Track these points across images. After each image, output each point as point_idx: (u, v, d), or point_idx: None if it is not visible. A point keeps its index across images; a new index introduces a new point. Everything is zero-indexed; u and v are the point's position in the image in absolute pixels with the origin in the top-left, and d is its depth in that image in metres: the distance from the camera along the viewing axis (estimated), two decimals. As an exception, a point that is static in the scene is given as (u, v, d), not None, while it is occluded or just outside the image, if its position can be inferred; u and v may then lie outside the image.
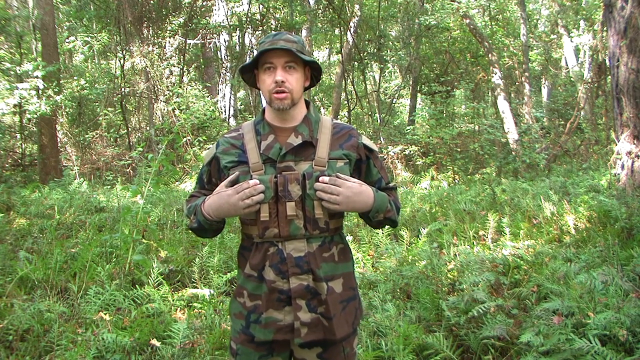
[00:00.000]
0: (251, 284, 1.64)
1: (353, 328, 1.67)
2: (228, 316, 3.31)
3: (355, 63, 14.98)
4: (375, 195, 1.63)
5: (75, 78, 12.84)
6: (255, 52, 1.65)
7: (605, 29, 8.08)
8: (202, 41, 14.35)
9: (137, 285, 3.81)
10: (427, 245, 4.69)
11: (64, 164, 11.33)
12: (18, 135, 13.20)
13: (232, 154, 1.66)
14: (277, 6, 14.80)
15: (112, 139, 13.06)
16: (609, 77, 8.00)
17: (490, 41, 12.71)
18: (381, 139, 13.62)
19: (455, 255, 4.41)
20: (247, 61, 1.66)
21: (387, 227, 1.80)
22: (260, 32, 13.78)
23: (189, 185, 8.92)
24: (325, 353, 1.64)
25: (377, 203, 1.62)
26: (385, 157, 11.83)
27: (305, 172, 1.59)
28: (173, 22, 12.86)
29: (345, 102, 15.21)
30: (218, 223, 1.65)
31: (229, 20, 13.72)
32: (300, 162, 1.61)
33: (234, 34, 14.92)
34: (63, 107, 11.42)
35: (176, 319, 3.26)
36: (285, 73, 1.58)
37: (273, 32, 1.97)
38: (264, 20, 14.05)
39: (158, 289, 3.66)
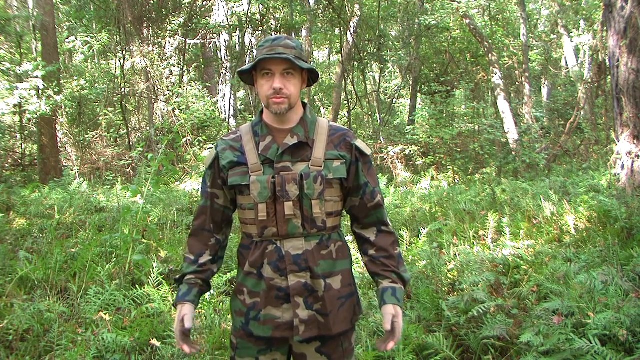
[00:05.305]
0: (251, 281, 1.66)
1: (352, 324, 1.70)
2: (228, 316, 3.32)
3: (355, 63, 14.97)
4: (400, 310, 1.66)
5: (75, 78, 12.82)
6: (255, 53, 1.66)
7: (605, 29, 8.08)
8: (202, 41, 14.34)
9: (137, 285, 3.80)
10: (427, 245, 4.69)
11: (64, 164, 11.33)
12: (18, 135, 13.19)
13: (230, 155, 1.68)
14: (277, 6, 14.79)
15: (112, 139, 13.05)
16: (609, 77, 8.00)
17: (490, 41, 12.71)
18: (381, 139, 13.62)
19: (455, 255, 4.40)
20: (247, 62, 1.68)
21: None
22: (260, 32, 13.77)
23: (189, 185, 8.91)
24: (324, 347, 1.67)
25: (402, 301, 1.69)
26: (385, 157, 11.83)
27: (303, 173, 1.61)
28: (173, 22, 12.85)
29: (345, 102, 15.20)
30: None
31: (229, 20, 13.71)
32: (297, 162, 1.63)
33: (234, 34, 14.91)
34: (63, 107, 11.41)
35: (176, 319, 3.25)
36: (283, 79, 1.59)
37: (272, 35, 1.99)
38: (264, 20, 14.03)
39: (158, 289, 3.65)
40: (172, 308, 3.51)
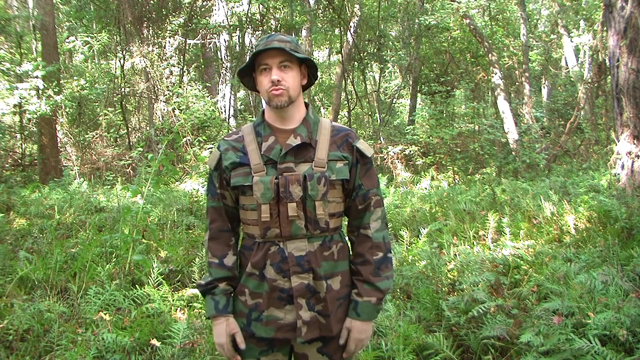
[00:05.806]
0: (252, 282, 1.66)
1: None
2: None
3: (355, 63, 14.97)
4: (368, 321, 1.68)
5: (75, 78, 12.81)
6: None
7: (605, 29, 8.08)
8: (202, 41, 14.34)
9: (137, 285, 3.80)
10: (427, 245, 4.69)
11: (64, 164, 11.32)
12: (18, 135, 13.19)
13: (233, 155, 1.67)
14: (277, 6, 14.79)
15: (112, 139, 13.05)
16: (609, 77, 8.00)
17: (490, 41, 12.70)
18: (381, 139, 13.62)
19: (455, 255, 4.40)
20: (245, 63, 1.68)
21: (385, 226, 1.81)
22: (260, 32, 13.77)
23: (189, 185, 8.91)
24: (325, 347, 1.68)
25: (373, 316, 1.68)
26: (385, 157, 11.83)
27: (306, 174, 1.60)
28: (173, 22, 12.84)
29: (345, 102, 15.20)
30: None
31: (229, 20, 13.71)
32: (300, 163, 1.62)
33: (234, 34, 14.91)
34: (63, 107, 11.40)
35: (176, 319, 3.26)
36: (280, 72, 1.60)
37: (267, 34, 1.99)
38: (264, 20, 14.04)
39: (158, 289, 3.66)
40: (172, 308, 3.51)
